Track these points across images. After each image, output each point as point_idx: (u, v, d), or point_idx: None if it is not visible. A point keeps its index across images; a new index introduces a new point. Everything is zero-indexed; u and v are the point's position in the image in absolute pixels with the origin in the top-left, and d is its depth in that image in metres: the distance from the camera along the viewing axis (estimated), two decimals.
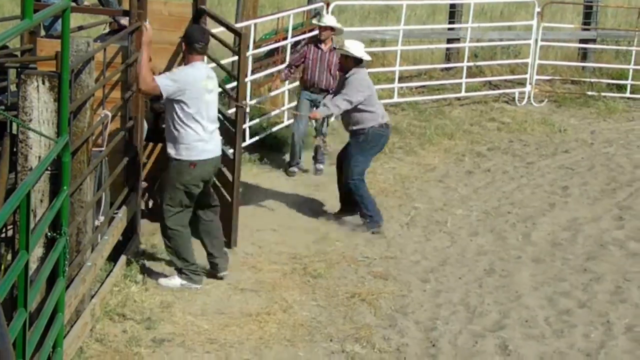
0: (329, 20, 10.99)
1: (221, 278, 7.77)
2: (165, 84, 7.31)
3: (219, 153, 7.59)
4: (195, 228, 7.75)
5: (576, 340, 7.17)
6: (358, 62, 9.41)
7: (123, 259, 7.58)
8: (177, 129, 7.38)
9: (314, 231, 9.16)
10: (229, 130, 8.77)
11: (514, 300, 7.87)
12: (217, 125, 7.62)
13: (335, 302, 7.62)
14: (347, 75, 9.39)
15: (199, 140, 7.37)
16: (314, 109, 10.48)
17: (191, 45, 7.45)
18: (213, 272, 7.80)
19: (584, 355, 6.94)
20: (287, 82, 11.84)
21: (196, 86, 7.35)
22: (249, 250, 8.53)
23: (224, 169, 8.70)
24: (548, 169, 11.92)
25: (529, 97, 14.83)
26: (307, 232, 9.13)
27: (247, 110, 9.39)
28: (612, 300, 7.96)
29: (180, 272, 7.58)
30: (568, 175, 11.63)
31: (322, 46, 10.94)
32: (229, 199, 8.51)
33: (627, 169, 12.03)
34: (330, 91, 10.23)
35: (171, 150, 7.45)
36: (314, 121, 9.78)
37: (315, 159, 10.95)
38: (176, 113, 7.37)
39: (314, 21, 11.49)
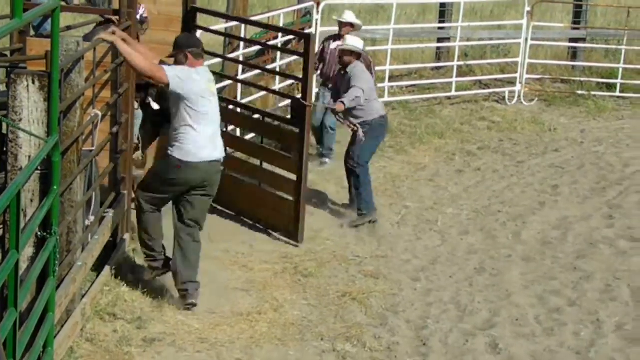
0: (349, 16, 11.26)
1: (188, 307, 7.22)
2: (174, 75, 7.15)
3: (215, 158, 7.34)
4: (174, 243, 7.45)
5: (566, 338, 7.19)
6: (358, 56, 9.73)
7: (113, 258, 7.57)
8: (175, 127, 7.27)
9: (305, 230, 9.15)
10: (285, 132, 9.09)
11: (504, 298, 7.89)
12: (219, 130, 7.50)
13: (326, 301, 7.62)
14: (348, 70, 9.63)
15: (192, 142, 7.21)
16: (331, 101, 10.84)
17: (192, 51, 7.30)
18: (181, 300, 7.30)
19: (574, 354, 6.96)
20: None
21: (200, 88, 7.24)
22: (240, 250, 8.53)
23: (280, 170, 8.98)
24: (538, 167, 11.94)
25: (519, 96, 14.85)
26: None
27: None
28: (602, 299, 7.98)
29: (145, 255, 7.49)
30: (558, 174, 11.66)
31: (340, 42, 11.04)
32: (292, 198, 8.74)
33: (617, 167, 12.06)
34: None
35: (169, 147, 7.36)
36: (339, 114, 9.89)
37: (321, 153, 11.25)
38: (179, 111, 7.24)
39: (335, 17, 11.64)
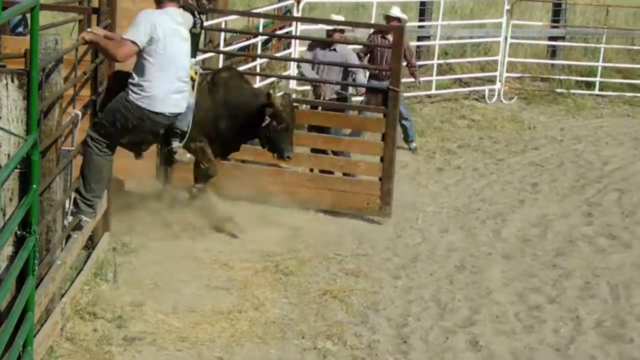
0: (396, 11, 11.90)
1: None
2: (132, 33, 6.97)
3: (177, 111, 7.27)
4: None
5: (546, 335, 7.22)
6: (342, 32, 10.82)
7: (94, 257, 7.54)
8: (139, 72, 7.07)
9: (286, 228, 9.16)
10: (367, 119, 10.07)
11: (484, 296, 7.91)
12: (187, 78, 7.37)
13: (307, 299, 7.63)
14: (338, 49, 10.61)
15: (157, 89, 7.08)
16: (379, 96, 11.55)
17: None
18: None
19: (554, 351, 6.99)
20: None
21: (166, 28, 7.06)
22: (221, 248, 8.51)
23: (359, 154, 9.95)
24: (518, 165, 12.00)
25: (498, 95, 14.91)
26: (278, 230, 9.12)
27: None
28: (582, 296, 8.02)
29: (74, 200, 7.25)
30: (537, 172, 11.72)
31: (389, 36, 11.57)
32: (378, 179, 9.57)
33: (596, 165, 12.14)
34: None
35: (130, 93, 7.17)
36: None
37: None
38: (143, 54, 7.06)
39: (383, 12, 12.14)
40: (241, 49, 13.01)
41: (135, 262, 7.85)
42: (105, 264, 7.64)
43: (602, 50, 15.63)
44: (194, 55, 8.46)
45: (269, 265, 8.22)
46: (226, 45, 12.26)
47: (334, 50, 10.63)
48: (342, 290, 7.80)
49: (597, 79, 15.43)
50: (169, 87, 7.12)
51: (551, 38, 16.26)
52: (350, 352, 6.79)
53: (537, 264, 8.74)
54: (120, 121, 7.17)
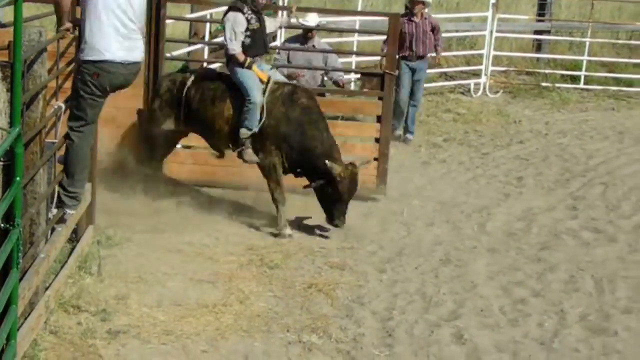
0: None
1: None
2: None
3: (132, 60, 7.06)
4: None
5: (530, 329, 7.24)
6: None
7: (78, 250, 7.51)
8: (86, 28, 6.92)
9: (271, 222, 9.15)
10: (364, 103, 10.53)
11: (469, 289, 7.92)
12: (140, 31, 7.18)
13: (292, 292, 7.62)
14: (315, 44, 10.97)
15: (106, 40, 6.90)
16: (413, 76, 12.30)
17: None
18: None
19: (538, 344, 7.01)
20: None
21: None
22: (205, 241, 8.50)
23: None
24: (503, 159, 12.02)
25: (484, 88, 14.93)
26: (263, 223, 9.11)
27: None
28: (566, 290, 8.05)
29: (58, 195, 7.11)
30: (523, 166, 11.75)
31: (415, 18, 12.12)
32: (374, 159, 9.96)
33: (581, 159, 12.17)
34: (426, 57, 12.34)
35: (79, 54, 7.05)
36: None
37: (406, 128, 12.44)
38: (89, 6, 6.92)
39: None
40: None
41: (119, 255, 7.83)
42: (90, 257, 7.61)
43: (587, 44, 15.67)
44: (263, 51, 8.71)
45: (254, 259, 8.21)
46: (212, 37, 12.22)
47: (312, 47, 10.85)
48: (327, 284, 7.80)
49: (582, 73, 15.47)
50: (106, 34, 6.94)
51: (537, 32, 16.29)
52: (335, 345, 6.79)
53: (522, 257, 8.76)
54: (82, 89, 7.04)
